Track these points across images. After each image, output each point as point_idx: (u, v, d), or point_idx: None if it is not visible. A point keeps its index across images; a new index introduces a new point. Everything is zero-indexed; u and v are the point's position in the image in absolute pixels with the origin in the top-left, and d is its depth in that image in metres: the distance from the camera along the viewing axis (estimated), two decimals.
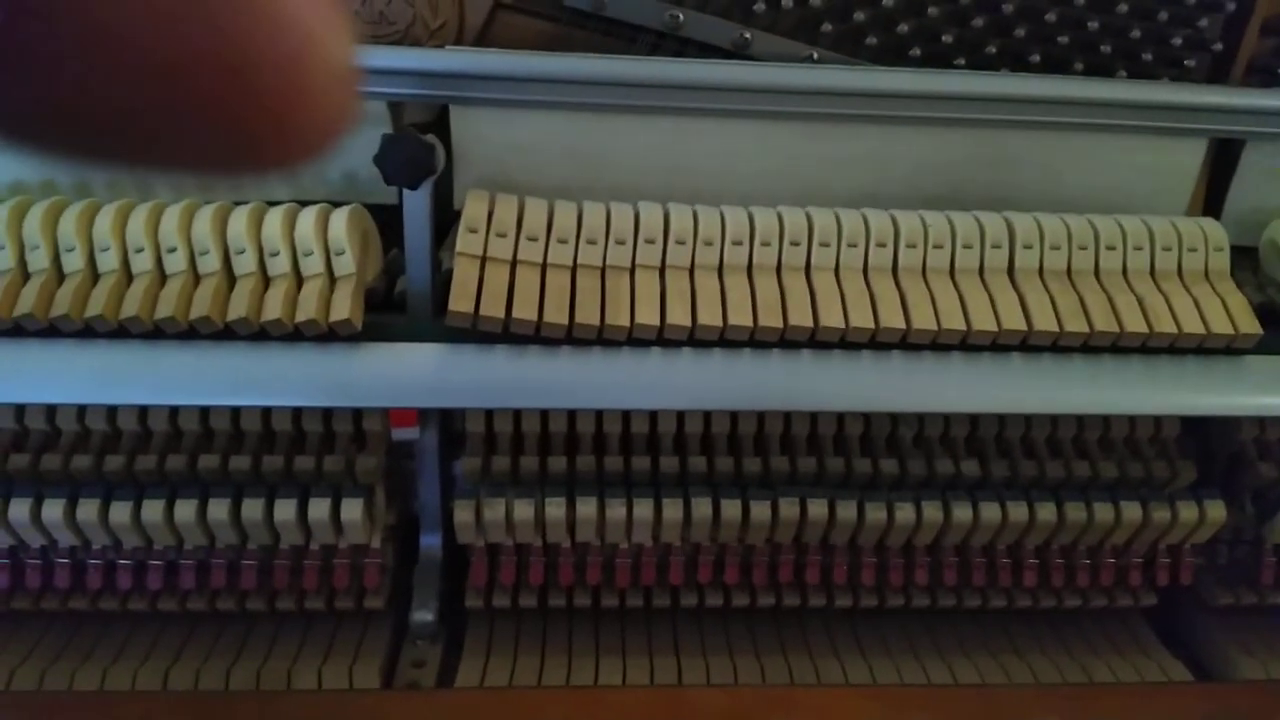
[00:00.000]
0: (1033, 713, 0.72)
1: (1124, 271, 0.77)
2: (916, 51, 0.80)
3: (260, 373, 0.70)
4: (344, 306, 0.70)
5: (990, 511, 0.79)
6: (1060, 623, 0.89)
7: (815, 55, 0.80)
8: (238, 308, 0.69)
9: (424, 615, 0.83)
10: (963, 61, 0.81)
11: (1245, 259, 0.84)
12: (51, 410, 0.78)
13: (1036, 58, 0.81)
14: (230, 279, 0.71)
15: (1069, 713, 0.72)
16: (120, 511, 0.74)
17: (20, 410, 0.78)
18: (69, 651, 0.81)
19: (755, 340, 0.73)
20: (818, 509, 0.79)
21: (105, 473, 0.77)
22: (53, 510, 0.74)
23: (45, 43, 0.25)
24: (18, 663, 0.79)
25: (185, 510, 0.75)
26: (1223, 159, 0.83)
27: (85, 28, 0.25)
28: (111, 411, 0.78)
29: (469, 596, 0.84)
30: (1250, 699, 0.78)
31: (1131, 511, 0.80)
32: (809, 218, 0.75)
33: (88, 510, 0.74)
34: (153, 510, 0.75)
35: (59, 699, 0.75)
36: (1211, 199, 0.85)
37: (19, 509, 0.74)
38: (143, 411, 0.79)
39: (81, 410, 0.78)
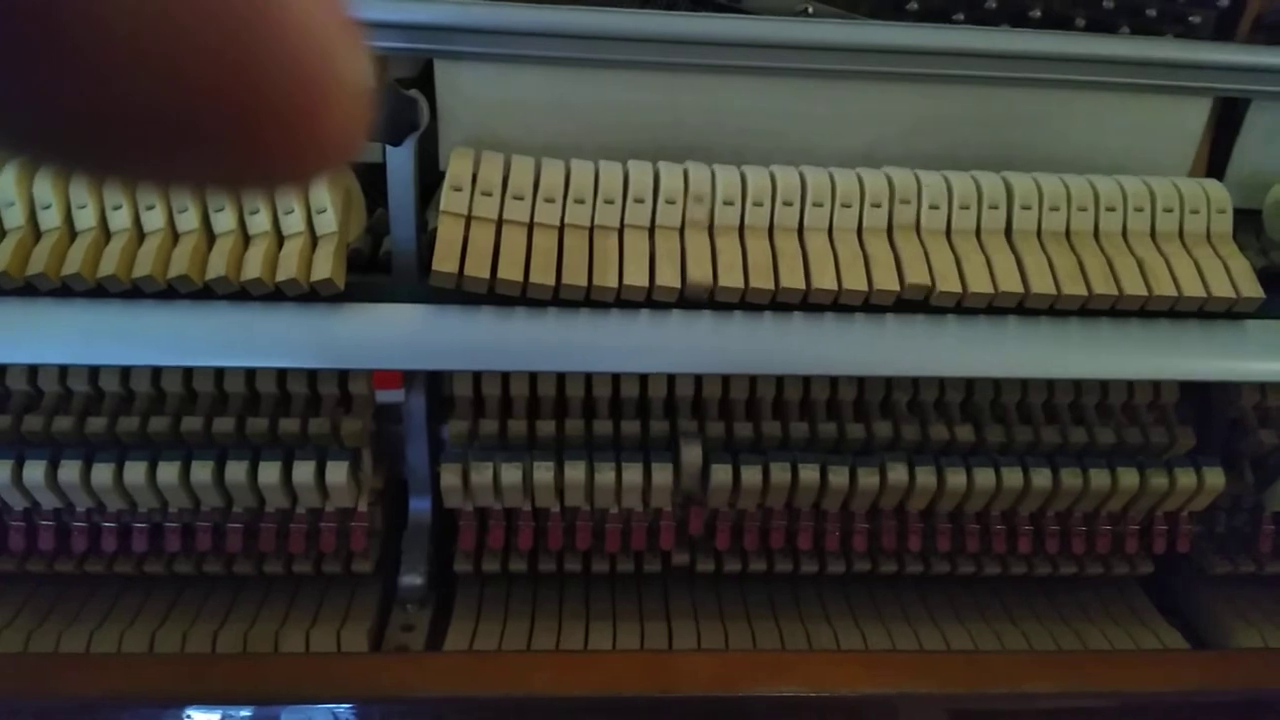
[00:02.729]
0: (1026, 679, 0.71)
1: (1124, 233, 0.76)
2: (914, 5, 0.78)
3: (241, 333, 0.69)
4: (325, 266, 0.68)
5: (985, 477, 0.78)
6: (1056, 590, 0.88)
7: (810, 9, 0.78)
8: (217, 266, 0.67)
9: (413, 579, 0.83)
10: (961, 17, 0.79)
11: (1249, 222, 0.82)
12: (33, 371, 0.77)
13: (1037, 13, 0.79)
14: (210, 237, 0.70)
15: (1063, 679, 0.71)
16: (103, 473, 0.74)
17: (1, 371, 0.77)
18: (55, 615, 0.80)
19: (746, 302, 0.72)
20: (810, 474, 0.78)
21: (88, 434, 0.76)
22: (34, 471, 0.73)
23: (51, 52, 0.25)
24: (2, 625, 0.79)
25: (168, 472, 0.74)
26: (1227, 119, 0.82)
27: (94, 38, 0.25)
28: (93, 373, 0.77)
29: (458, 561, 0.83)
30: (1247, 667, 0.77)
31: (1128, 478, 0.79)
32: (802, 177, 0.74)
33: (69, 471, 0.73)
34: (135, 471, 0.74)
35: (45, 661, 0.74)
36: (1215, 160, 0.83)
37: (0, 470, 0.73)
38: (125, 373, 0.78)
39: (63, 371, 0.77)
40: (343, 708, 0.65)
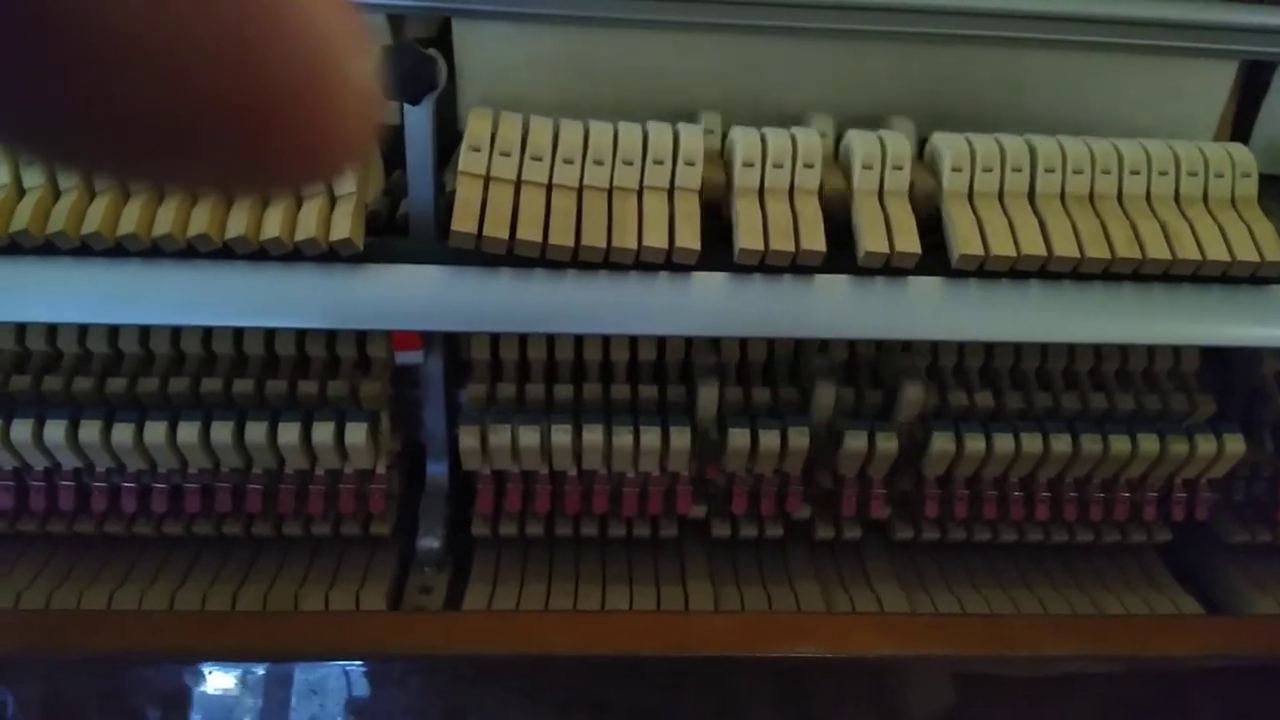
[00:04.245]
0: (1042, 643, 0.71)
1: (1148, 197, 0.75)
2: None
3: (260, 293, 0.69)
4: (344, 225, 0.68)
5: (1004, 443, 0.78)
6: (1072, 557, 0.88)
7: None
8: (236, 226, 0.67)
9: (430, 542, 0.83)
10: None
11: (1275, 188, 0.81)
12: (52, 331, 0.78)
13: None
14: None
15: (1079, 644, 0.71)
16: (123, 432, 0.74)
17: (21, 331, 0.77)
18: (76, 574, 0.81)
19: (766, 265, 0.71)
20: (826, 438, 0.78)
21: (108, 395, 0.76)
22: (55, 431, 0.74)
23: (56, 53, 0.25)
24: (25, 585, 0.79)
25: (188, 432, 0.74)
26: (1253, 82, 0.80)
27: (98, 40, 0.25)
28: (113, 334, 0.78)
29: (475, 524, 0.84)
30: (1263, 633, 0.77)
31: (1148, 443, 0.79)
32: (823, 139, 0.73)
33: (90, 431, 0.74)
34: (155, 432, 0.74)
35: (66, 617, 0.75)
36: (1240, 124, 0.82)
37: (20, 430, 0.74)
38: (144, 334, 0.78)
39: (83, 331, 0.77)
40: (354, 665, 0.66)
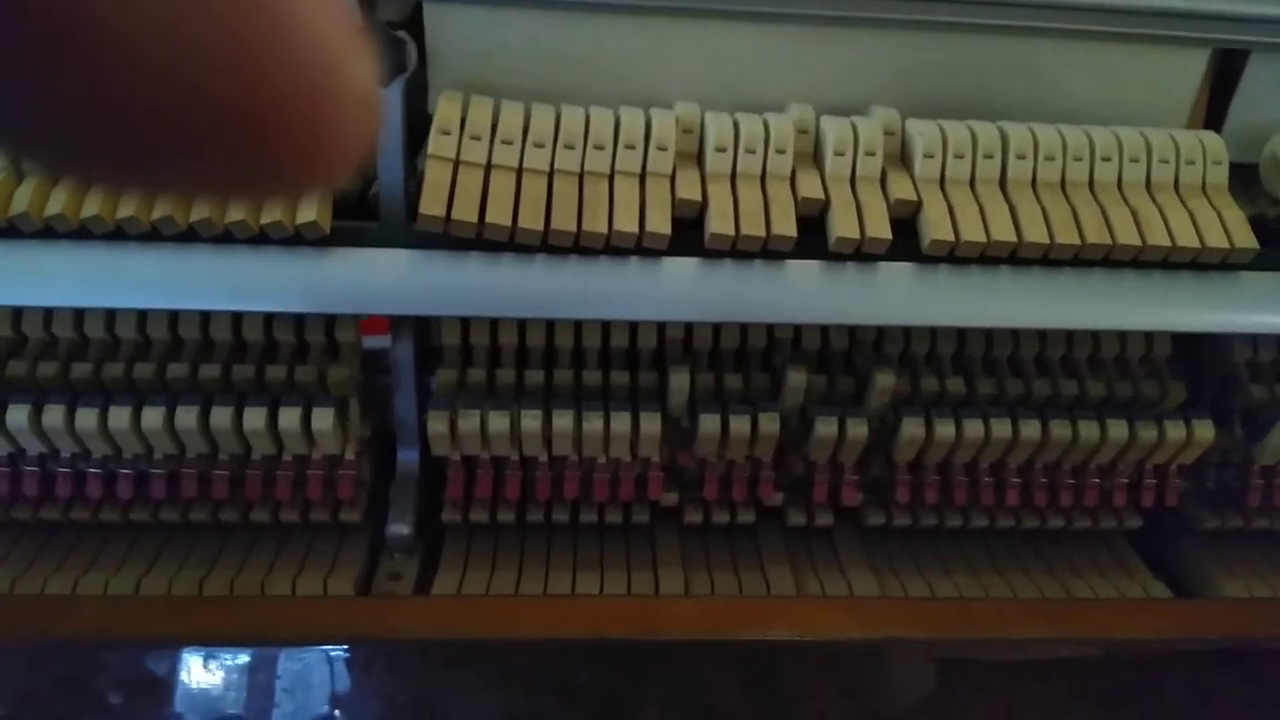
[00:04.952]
0: (1012, 625, 0.71)
1: (1119, 184, 0.75)
2: None
3: (226, 276, 0.69)
4: (311, 208, 0.68)
5: (973, 428, 0.78)
6: (1043, 544, 0.88)
7: None
8: (201, 208, 0.66)
9: (400, 529, 0.82)
10: None
11: (1247, 178, 0.81)
12: (17, 316, 0.77)
13: None
14: None
15: (1049, 626, 0.71)
16: (88, 418, 0.73)
17: None
18: (40, 562, 0.80)
19: (737, 250, 0.71)
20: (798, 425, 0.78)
21: (73, 380, 0.75)
22: (18, 416, 0.73)
23: (54, 56, 0.25)
24: None
25: (153, 417, 0.73)
26: (1225, 71, 0.81)
27: (97, 43, 0.25)
28: (78, 318, 0.77)
29: (446, 511, 0.83)
30: (1231, 615, 0.77)
31: (1118, 429, 0.79)
32: (795, 125, 0.73)
33: (54, 416, 0.73)
34: (120, 417, 0.73)
35: (30, 603, 0.74)
36: (1213, 113, 0.82)
37: None
38: (110, 319, 0.77)
39: (48, 316, 0.77)
40: (321, 649, 0.65)
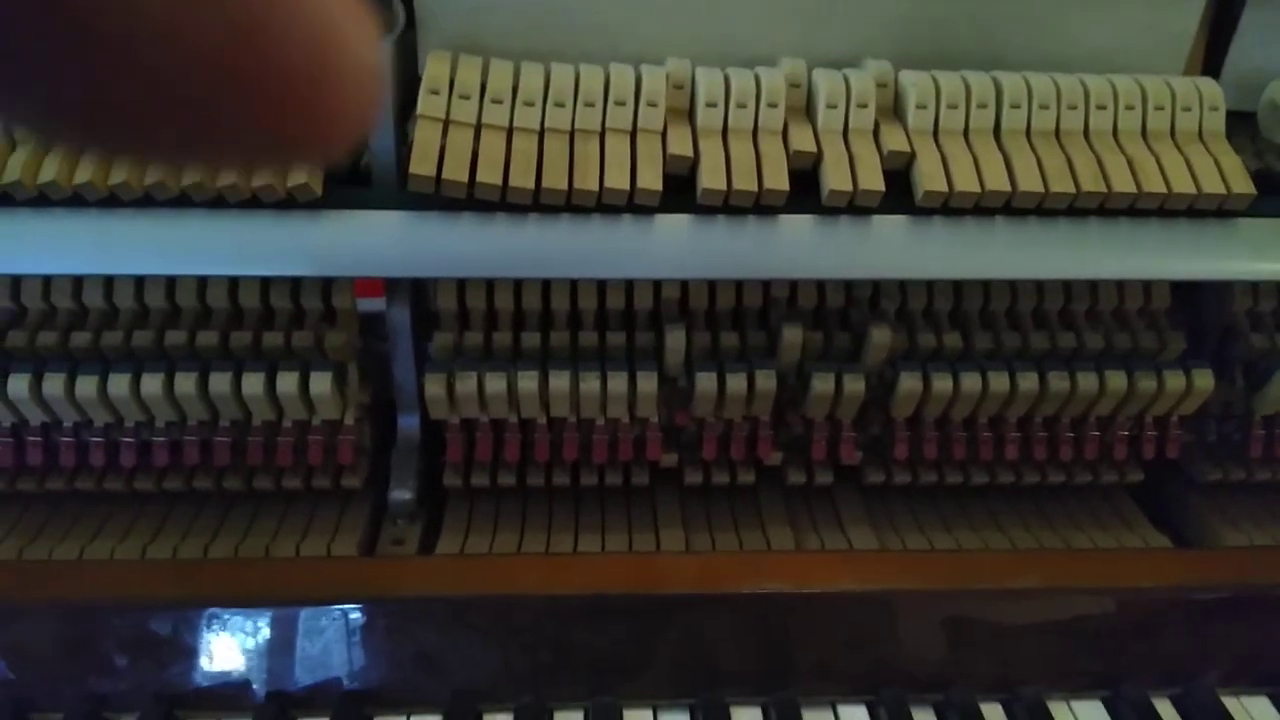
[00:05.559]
0: (1014, 575, 0.71)
1: (1114, 132, 0.74)
2: None
3: (219, 240, 0.69)
4: (302, 171, 0.68)
5: (971, 381, 0.78)
6: (1044, 499, 0.88)
7: None
8: (192, 172, 0.67)
9: (402, 494, 0.83)
10: None
11: (1245, 126, 0.81)
12: (15, 284, 0.77)
13: None
14: None
15: (1051, 576, 0.71)
16: (87, 385, 0.73)
17: None
18: (46, 532, 0.81)
19: (730, 206, 0.71)
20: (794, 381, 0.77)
21: (72, 349, 0.76)
22: (19, 385, 0.73)
23: (73, 33, 0.25)
24: None
25: (152, 383, 0.73)
26: (1223, 17, 0.80)
27: (113, 16, 0.25)
28: (76, 287, 0.77)
29: (446, 475, 0.84)
30: (1233, 563, 0.77)
31: (1117, 380, 0.79)
32: (786, 78, 0.72)
33: (54, 384, 0.73)
34: (119, 384, 0.73)
35: (35, 567, 0.75)
36: (1210, 61, 0.81)
37: None
38: (108, 287, 0.77)
39: (45, 285, 0.77)
40: (324, 608, 0.66)
